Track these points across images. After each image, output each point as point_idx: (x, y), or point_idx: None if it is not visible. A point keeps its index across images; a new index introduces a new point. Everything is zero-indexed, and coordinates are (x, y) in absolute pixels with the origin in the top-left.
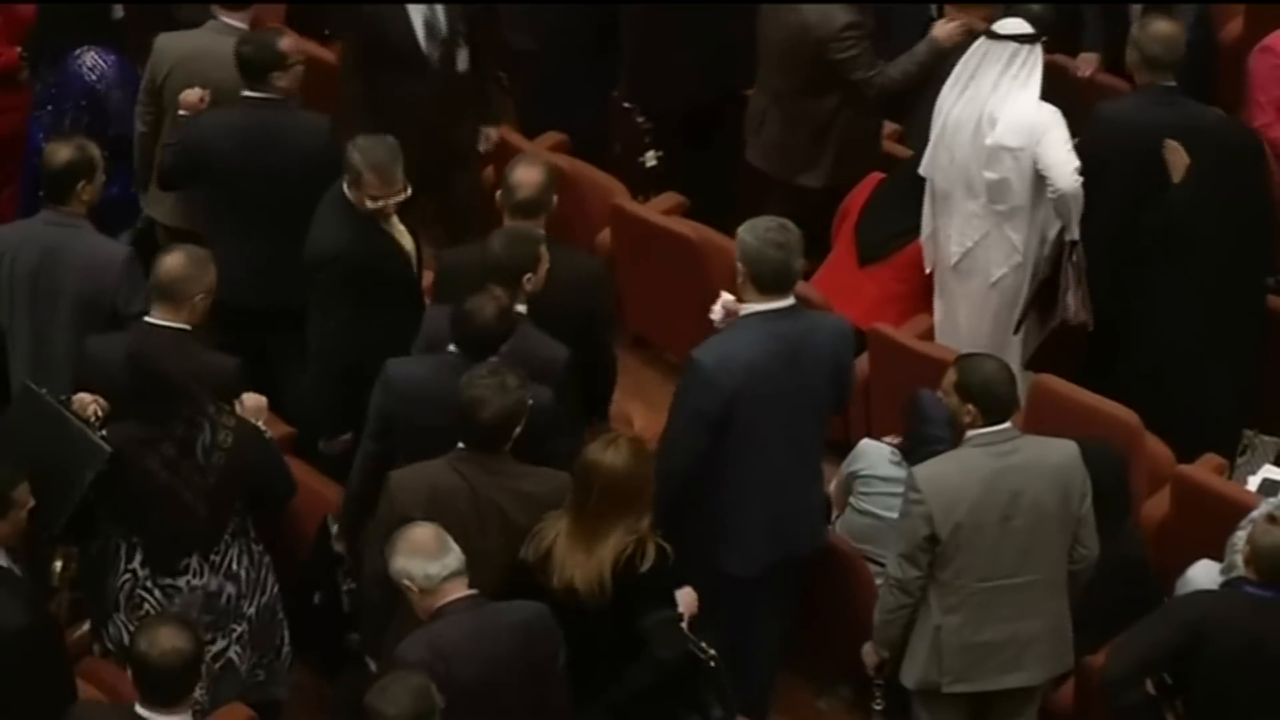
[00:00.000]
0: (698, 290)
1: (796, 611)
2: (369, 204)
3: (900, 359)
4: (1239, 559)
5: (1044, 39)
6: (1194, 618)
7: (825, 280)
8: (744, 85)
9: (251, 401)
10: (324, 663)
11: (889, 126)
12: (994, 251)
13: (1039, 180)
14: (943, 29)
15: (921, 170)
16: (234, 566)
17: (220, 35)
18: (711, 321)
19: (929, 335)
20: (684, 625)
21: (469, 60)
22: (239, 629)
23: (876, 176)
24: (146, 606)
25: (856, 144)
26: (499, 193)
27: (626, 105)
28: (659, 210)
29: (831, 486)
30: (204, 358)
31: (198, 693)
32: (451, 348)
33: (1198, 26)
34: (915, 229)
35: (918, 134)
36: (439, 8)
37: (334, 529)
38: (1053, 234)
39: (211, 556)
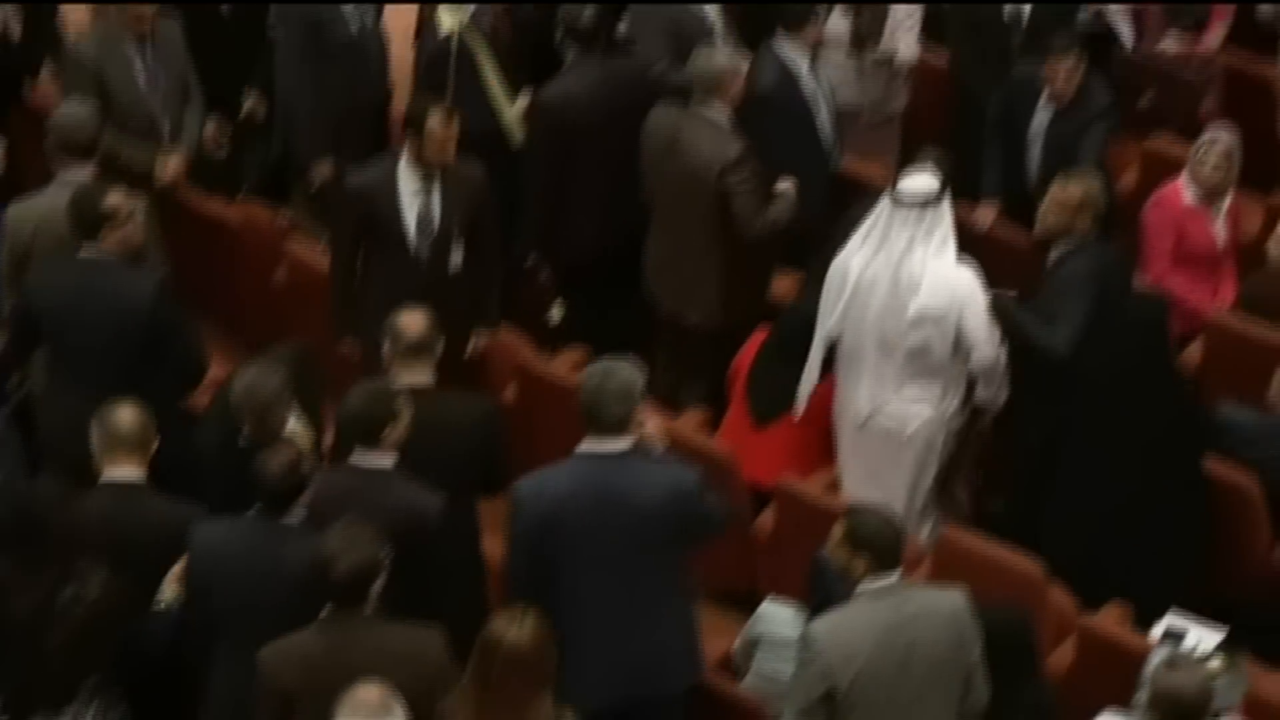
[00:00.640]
0: None
1: None
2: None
3: (807, 513)
4: (1143, 696)
5: (946, 193)
6: None
7: (727, 436)
8: (644, 230)
9: None
10: None
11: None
12: (910, 407)
13: (959, 342)
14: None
15: (829, 329)
16: None
17: (69, 190)
18: None
19: (835, 488)
20: None
21: (463, 260)
22: None
23: (762, 335)
24: None
25: (748, 285)
26: (386, 342)
27: (528, 262)
28: (565, 367)
29: (734, 647)
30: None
31: None
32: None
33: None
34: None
35: (815, 286)
36: (435, 202)
37: None
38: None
39: (62, 713)
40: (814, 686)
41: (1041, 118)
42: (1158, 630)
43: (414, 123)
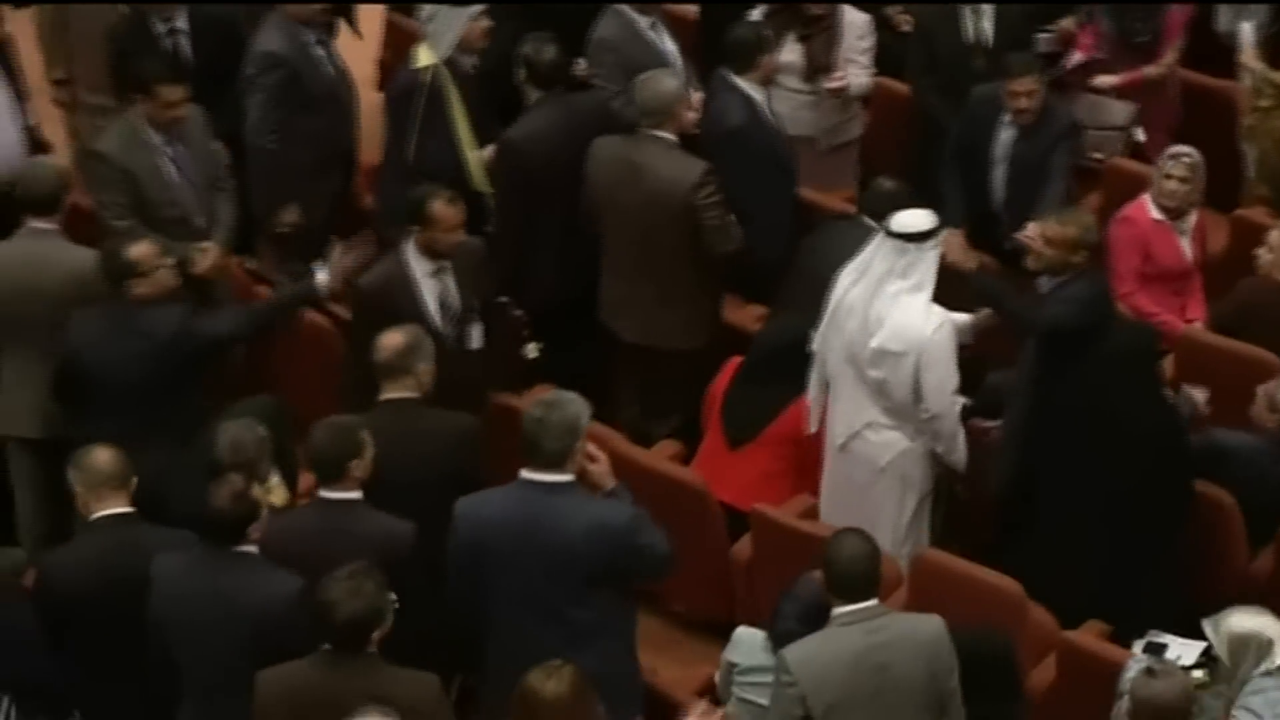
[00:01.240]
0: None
1: None
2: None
3: (782, 539)
4: (1123, 706)
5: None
6: None
7: (702, 465)
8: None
9: None
10: None
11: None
12: (884, 434)
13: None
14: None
15: (815, 346)
16: None
17: (35, 241)
18: None
19: (811, 514)
20: None
21: (484, 337)
22: None
23: (736, 360)
24: None
25: (715, 303)
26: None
27: (502, 300)
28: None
29: (716, 675)
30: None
31: None
32: None
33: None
34: (780, 402)
35: (787, 308)
36: (450, 282)
37: None
38: None
39: None
40: (789, 712)
41: (1005, 137)
42: (1139, 643)
43: (418, 214)
